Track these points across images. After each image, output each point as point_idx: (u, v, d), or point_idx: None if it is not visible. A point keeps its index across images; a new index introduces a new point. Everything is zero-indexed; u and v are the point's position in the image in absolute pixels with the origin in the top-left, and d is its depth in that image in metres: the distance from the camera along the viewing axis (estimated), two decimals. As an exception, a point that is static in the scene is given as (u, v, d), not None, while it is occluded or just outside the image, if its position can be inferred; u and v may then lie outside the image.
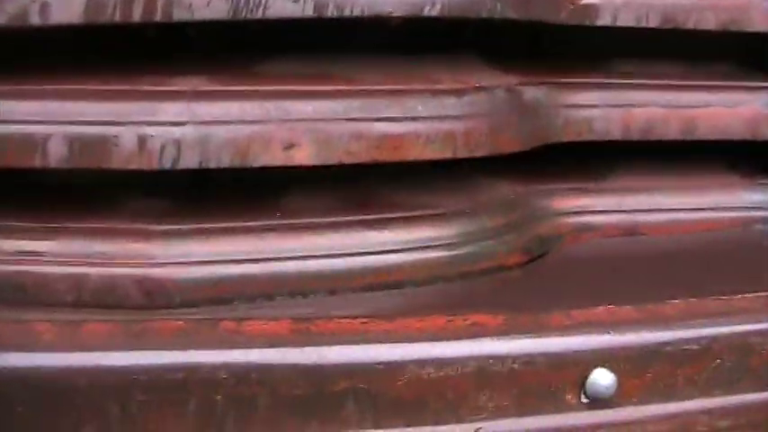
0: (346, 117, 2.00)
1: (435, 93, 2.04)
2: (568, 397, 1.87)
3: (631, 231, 2.36)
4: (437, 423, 1.81)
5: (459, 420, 1.81)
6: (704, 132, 2.24)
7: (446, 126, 2.06)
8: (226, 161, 1.94)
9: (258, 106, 1.96)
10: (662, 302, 1.93)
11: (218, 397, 1.72)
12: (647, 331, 1.88)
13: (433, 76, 2.04)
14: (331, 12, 1.92)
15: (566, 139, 2.20)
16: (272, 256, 2.03)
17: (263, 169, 1.93)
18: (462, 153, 2.03)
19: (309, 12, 1.91)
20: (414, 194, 2.20)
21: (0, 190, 1.86)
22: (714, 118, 2.30)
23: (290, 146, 1.99)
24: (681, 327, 1.91)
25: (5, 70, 1.77)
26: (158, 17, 1.83)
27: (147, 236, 2.02)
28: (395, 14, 1.95)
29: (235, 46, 2.00)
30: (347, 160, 1.98)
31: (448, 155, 2.02)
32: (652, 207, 2.39)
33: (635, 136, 2.26)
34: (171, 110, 1.92)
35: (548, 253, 2.20)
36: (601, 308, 1.89)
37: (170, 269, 1.97)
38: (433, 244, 2.13)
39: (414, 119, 2.04)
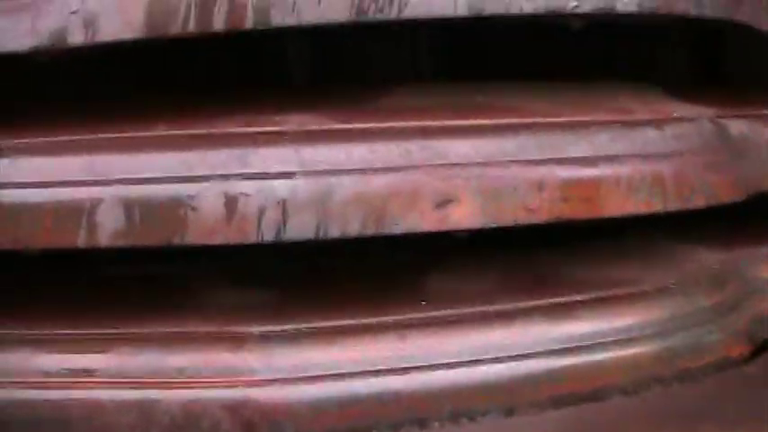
0: (520, 159, 1.62)
1: (630, 125, 1.69)
2: None
3: None
4: None
5: None
6: None
7: (651, 167, 1.69)
8: (354, 227, 1.55)
9: (396, 148, 1.58)
10: None
11: None
12: None
13: (614, 103, 1.73)
14: (492, 9, 1.54)
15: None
16: (419, 363, 1.58)
17: (403, 238, 1.57)
18: (674, 203, 1.67)
19: (464, 11, 1.53)
20: (599, 267, 1.85)
21: (32, 282, 1.59)
22: None
23: (444, 201, 1.58)
24: None
25: (34, 114, 1.50)
26: (250, 22, 1.46)
27: (242, 342, 1.60)
28: (580, 9, 1.58)
29: (345, 69, 1.82)
30: (524, 219, 1.60)
31: (657, 207, 1.67)
32: None
33: None
34: (271, 157, 1.56)
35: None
36: None
37: (276, 389, 1.55)
38: (638, 334, 1.70)
39: (609, 159, 1.67)
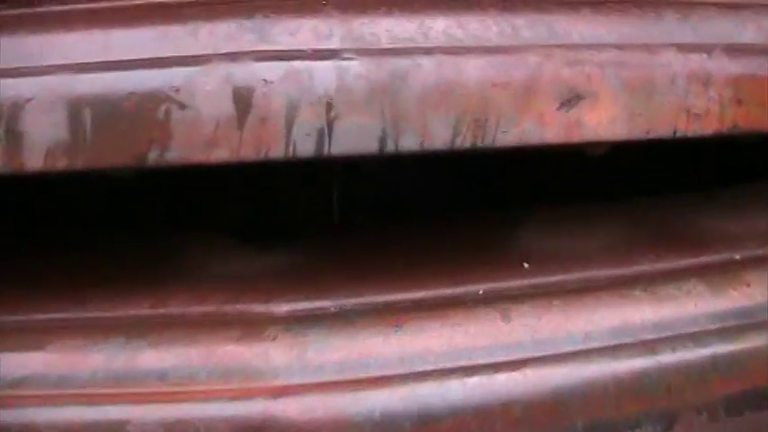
0: (672, 43, 1.14)
1: None
2: None
3: None
4: None
5: None
6: None
7: None
8: (440, 135, 1.03)
9: (496, 24, 1.08)
10: None
11: None
12: None
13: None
14: None
15: None
16: (532, 352, 1.11)
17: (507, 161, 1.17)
18: None
19: None
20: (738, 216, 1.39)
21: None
22: None
23: (573, 98, 1.04)
24: None
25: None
26: None
27: (259, 327, 1.11)
28: None
29: None
30: (687, 129, 1.10)
31: None
32: None
33: None
34: (307, 28, 1.03)
35: None
36: None
37: (315, 398, 1.04)
38: None
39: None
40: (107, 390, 1.07)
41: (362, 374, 1.07)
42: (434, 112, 1.03)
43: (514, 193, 1.44)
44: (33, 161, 0.97)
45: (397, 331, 1.11)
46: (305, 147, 1.01)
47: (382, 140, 1.03)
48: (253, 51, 1.01)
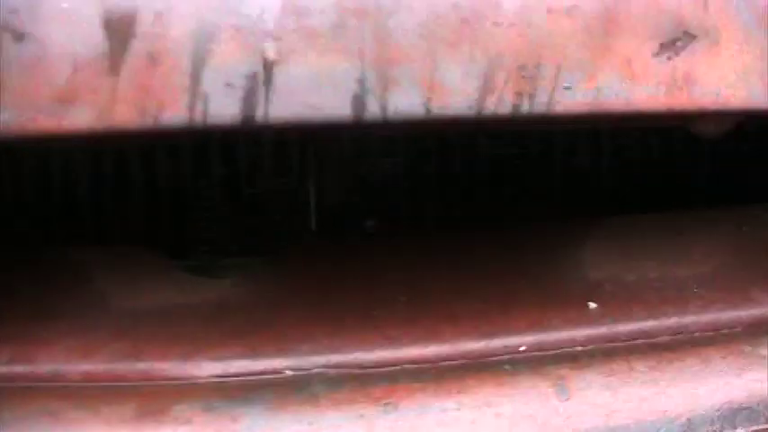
0: None
1: None
2: None
3: None
4: None
5: None
6: None
7: None
8: (459, 96, 0.61)
9: None
10: None
11: None
12: None
13: None
14: None
15: None
16: None
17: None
18: None
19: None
20: None
21: None
22: None
23: (679, 38, 0.65)
24: None
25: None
26: None
27: (167, 402, 0.69)
28: None
29: None
30: None
31: None
32: None
33: None
34: None
35: None
36: None
37: None
38: None
39: None
40: None
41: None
42: (450, 53, 0.57)
43: (572, 197, 0.96)
44: None
45: (387, 413, 0.64)
46: (224, 108, 0.55)
47: (359, 99, 0.56)
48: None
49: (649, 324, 0.77)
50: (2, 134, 0.58)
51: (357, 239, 0.92)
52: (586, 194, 1.00)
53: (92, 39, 0.58)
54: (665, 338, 0.77)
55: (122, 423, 0.67)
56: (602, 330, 0.76)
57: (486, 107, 0.61)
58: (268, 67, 0.58)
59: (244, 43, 0.58)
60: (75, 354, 0.72)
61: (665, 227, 0.89)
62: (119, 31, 0.57)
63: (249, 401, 0.68)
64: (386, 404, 0.68)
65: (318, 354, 0.72)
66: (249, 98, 0.58)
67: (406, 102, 0.60)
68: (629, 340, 0.76)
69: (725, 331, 0.78)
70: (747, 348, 0.76)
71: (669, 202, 0.96)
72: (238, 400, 0.68)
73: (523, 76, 0.62)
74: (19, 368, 0.72)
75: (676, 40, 0.65)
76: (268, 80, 0.58)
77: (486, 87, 0.61)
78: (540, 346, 0.74)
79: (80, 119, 0.58)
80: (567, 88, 0.62)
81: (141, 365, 0.70)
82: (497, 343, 0.73)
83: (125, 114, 0.58)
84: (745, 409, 0.73)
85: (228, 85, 0.58)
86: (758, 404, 0.74)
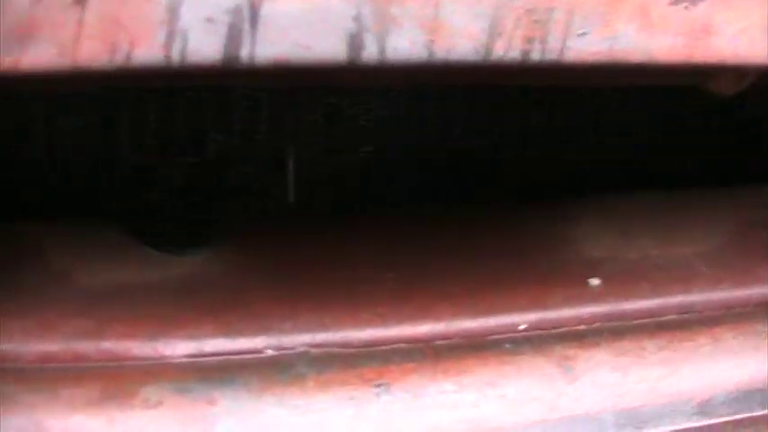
0: None
1: None
2: None
3: None
4: None
5: None
6: None
7: None
8: (464, 40, 0.53)
9: None
10: None
11: None
12: None
13: None
14: None
15: None
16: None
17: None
18: None
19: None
20: None
21: None
22: None
23: None
24: None
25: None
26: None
27: (136, 383, 0.60)
28: None
29: None
30: None
31: None
32: None
33: None
34: None
35: None
36: None
37: None
38: None
39: None
40: None
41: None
42: (455, -10, 0.50)
43: (569, 174, 0.90)
44: None
45: (379, 395, 0.57)
46: (204, 46, 0.48)
47: (355, 39, 0.49)
48: None
49: (655, 302, 0.71)
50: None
51: (342, 213, 0.85)
52: (587, 170, 0.94)
53: (54, -35, 0.50)
54: (673, 317, 0.70)
55: (85, 406, 0.59)
56: (606, 308, 0.70)
57: (493, 52, 0.54)
58: (254, 0, 0.51)
59: (227, -27, 0.50)
60: (31, 333, 0.64)
61: (666, 205, 0.83)
62: (85, -44, 0.50)
63: (227, 383, 0.61)
64: (378, 385, 0.61)
65: (302, 332, 0.64)
66: (233, 35, 0.51)
67: (406, 43, 0.53)
68: (635, 318, 0.69)
69: (735, 310, 0.72)
70: (760, 328, 0.70)
71: (671, 180, 0.90)
72: (215, 381, 0.61)
73: (534, 20, 0.55)
74: (-30, 349, 0.64)
75: (696, -14, 0.59)
76: (254, 16, 0.51)
77: (495, 30, 0.54)
78: (541, 325, 0.67)
79: (41, 56, 0.50)
80: (582, 35, 0.56)
81: (106, 344, 0.62)
82: (496, 321, 0.67)
83: (92, 51, 0.50)
84: (762, 390, 0.67)
85: (210, 20, 0.51)
86: (772, 387, 0.68)
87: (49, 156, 0.84)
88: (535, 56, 0.56)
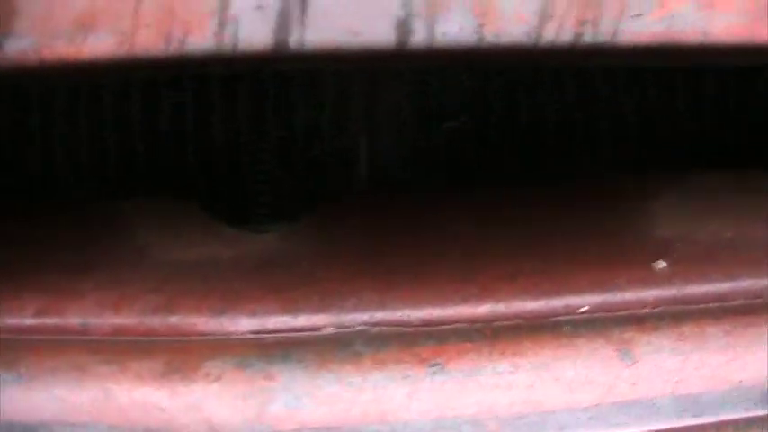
0: None
1: None
2: None
3: None
4: None
5: None
6: None
7: None
8: (516, 24, 0.53)
9: None
10: None
11: None
12: None
13: None
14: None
15: None
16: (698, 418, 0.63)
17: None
18: None
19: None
20: None
21: None
22: None
23: None
24: None
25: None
26: None
27: (198, 358, 0.63)
28: None
29: None
30: None
31: None
32: None
33: None
34: None
35: None
36: None
37: None
38: None
39: None
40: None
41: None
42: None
43: (643, 150, 0.88)
44: None
45: (434, 374, 0.57)
46: (255, 32, 0.49)
47: (403, 24, 0.49)
48: None
49: (724, 286, 0.69)
50: (18, 63, 0.53)
51: (413, 194, 0.85)
52: (659, 148, 0.92)
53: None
54: (741, 302, 0.68)
55: (150, 379, 0.62)
56: (672, 292, 0.68)
57: (544, 35, 0.54)
58: (303, -12, 0.51)
59: (277, -39, 0.51)
60: (106, 307, 0.67)
61: (741, 185, 0.80)
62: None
63: (286, 359, 0.62)
64: (433, 365, 0.62)
65: (363, 311, 0.65)
66: (282, 22, 0.52)
67: (455, 28, 0.53)
68: (701, 303, 0.67)
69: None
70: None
71: (745, 159, 0.87)
72: (275, 357, 0.62)
73: (587, 2, 0.54)
74: (49, 321, 0.67)
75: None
76: (303, 2, 0.52)
77: (546, 13, 0.53)
78: (603, 307, 0.66)
79: (101, 46, 0.52)
80: (636, 16, 0.54)
81: (173, 319, 0.65)
82: (557, 302, 0.66)
83: (148, 40, 0.52)
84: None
85: (260, 7, 0.52)
86: None
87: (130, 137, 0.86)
88: (587, 39, 0.55)
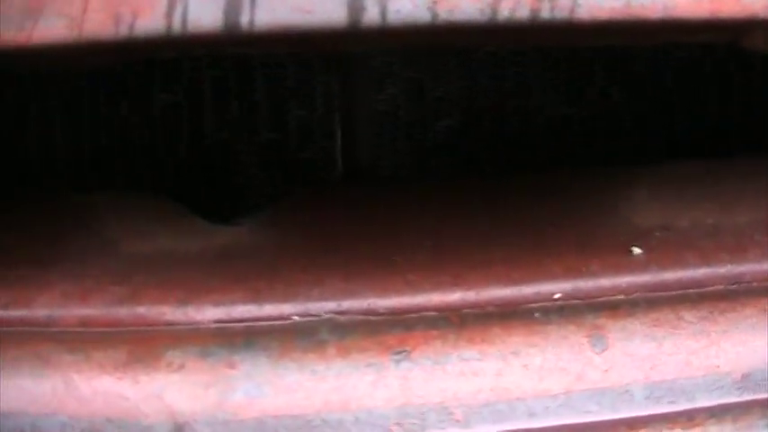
0: None
1: None
2: None
3: None
4: None
5: None
6: None
7: None
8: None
9: None
10: None
11: None
12: None
13: None
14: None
15: None
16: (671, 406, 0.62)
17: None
18: None
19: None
20: None
21: None
22: None
23: None
24: None
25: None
26: None
27: (160, 347, 0.64)
28: None
29: None
30: None
31: None
32: None
33: None
34: None
35: None
36: None
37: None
38: None
39: None
40: None
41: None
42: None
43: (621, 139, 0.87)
44: None
45: (400, 362, 0.57)
46: (204, 13, 0.49)
47: (356, 2, 0.49)
48: None
49: (701, 272, 0.68)
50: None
51: (384, 185, 0.85)
52: (637, 137, 0.91)
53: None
54: (719, 288, 0.67)
55: (113, 368, 0.62)
56: (647, 278, 0.68)
57: (500, 12, 0.54)
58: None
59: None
60: (72, 298, 0.67)
61: (722, 173, 0.80)
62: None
63: (249, 347, 0.62)
64: (398, 352, 0.61)
65: (329, 299, 0.65)
66: (232, 2, 0.52)
67: (409, 5, 0.53)
68: (677, 289, 0.67)
69: (788, 281, 0.68)
70: (815, 300, 0.67)
71: (728, 147, 0.86)
72: (238, 345, 0.62)
73: (544, -22, 0.54)
74: (15, 313, 0.67)
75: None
76: (253, -18, 0.52)
77: (500, -10, 0.53)
78: (576, 294, 0.66)
79: (50, 31, 0.53)
80: (596, -8, 0.54)
81: (139, 309, 0.65)
82: (528, 289, 0.66)
83: (98, 24, 0.52)
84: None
85: (210, -12, 0.52)
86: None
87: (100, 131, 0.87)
88: (545, 15, 0.55)
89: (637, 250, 0.71)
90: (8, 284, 0.70)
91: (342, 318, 0.65)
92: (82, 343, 0.64)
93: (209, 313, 0.65)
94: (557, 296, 0.68)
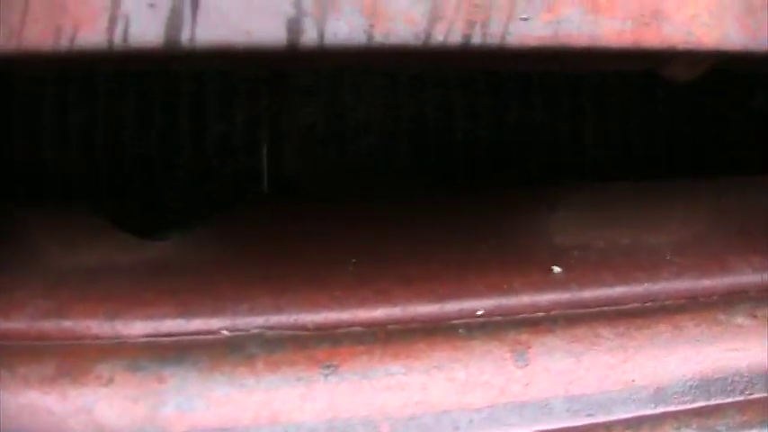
0: None
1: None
2: None
3: None
4: None
5: None
6: None
7: None
8: (404, 25, 0.56)
9: None
10: None
11: None
12: None
13: None
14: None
15: None
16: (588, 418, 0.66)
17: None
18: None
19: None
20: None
21: None
22: None
23: None
24: None
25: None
26: None
27: (89, 361, 0.63)
28: None
29: None
30: None
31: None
32: None
33: None
34: None
35: None
36: None
37: None
38: None
39: None
40: None
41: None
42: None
43: (546, 162, 0.92)
44: None
45: (328, 376, 0.59)
46: (146, 29, 0.50)
47: (294, 24, 0.51)
48: None
49: (618, 290, 0.72)
50: None
51: (312, 202, 0.87)
52: (562, 160, 0.95)
53: (1, -49, 0.53)
54: (635, 305, 0.71)
55: (39, 383, 0.62)
56: (566, 296, 0.71)
57: (434, 36, 0.56)
58: (194, -15, 0.53)
59: (168, -41, 0.53)
60: (-3, 311, 0.67)
61: (641, 195, 0.84)
62: (31, -58, 0.52)
63: (179, 361, 0.63)
64: (326, 366, 0.63)
65: (258, 314, 0.67)
66: (174, 19, 0.53)
67: (345, 28, 0.55)
68: (596, 306, 0.70)
69: (700, 299, 0.73)
70: (722, 317, 0.72)
71: (649, 171, 0.91)
72: (168, 359, 0.63)
73: (476, 5, 0.57)
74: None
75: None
76: (195, 0, 0.53)
77: (435, 14, 0.56)
78: (499, 311, 0.69)
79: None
80: (525, 19, 0.57)
81: (66, 323, 0.65)
82: (452, 306, 0.68)
83: (37, 35, 0.53)
84: (720, 379, 0.68)
85: (152, 5, 0.53)
86: (734, 375, 0.69)
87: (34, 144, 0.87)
88: (476, 41, 0.58)
89: (557, 269, 0.74)
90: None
91: (270, 332, 0.66)
92: (7, 357, 0.64)
93: (137, 327, 0.66)
94: (480, 312, 0.71)
